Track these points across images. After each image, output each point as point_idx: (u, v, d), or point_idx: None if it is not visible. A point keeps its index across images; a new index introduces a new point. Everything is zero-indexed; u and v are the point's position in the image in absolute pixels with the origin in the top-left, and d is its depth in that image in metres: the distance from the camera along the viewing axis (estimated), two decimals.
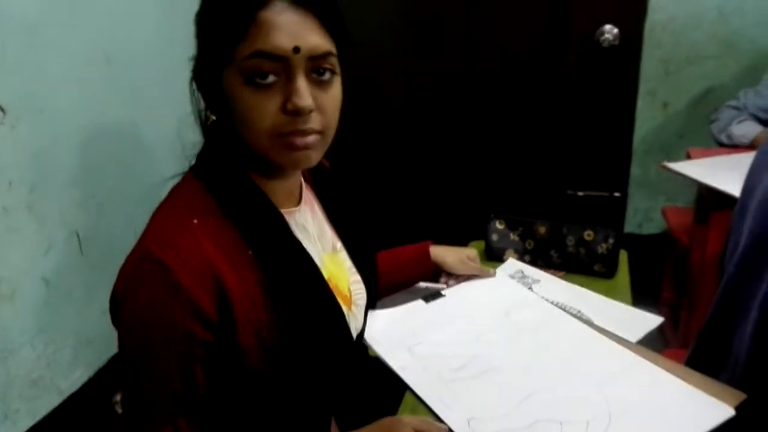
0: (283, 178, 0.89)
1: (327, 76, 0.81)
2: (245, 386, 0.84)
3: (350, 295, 0.97)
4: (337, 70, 0.83)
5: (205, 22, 0.82)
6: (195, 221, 0.80)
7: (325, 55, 0.79)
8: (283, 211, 0.88)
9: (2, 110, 1.22)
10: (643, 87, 2.31)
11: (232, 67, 0.78)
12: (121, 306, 0.80)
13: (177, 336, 0.76)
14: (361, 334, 1.01)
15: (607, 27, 2.17)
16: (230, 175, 0.85)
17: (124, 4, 1.56)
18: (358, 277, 1.01)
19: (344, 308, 0.91)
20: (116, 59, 1.53)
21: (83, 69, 1.44)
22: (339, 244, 1.01)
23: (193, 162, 0.88)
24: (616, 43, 2.18)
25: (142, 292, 0.77)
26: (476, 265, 1.26)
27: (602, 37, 2.18)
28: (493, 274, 1.28)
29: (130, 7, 1.59)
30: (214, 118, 0.87)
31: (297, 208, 0.92)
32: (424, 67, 2.38)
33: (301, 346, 0.84)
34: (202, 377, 0.79)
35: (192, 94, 0.86)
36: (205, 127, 0.89)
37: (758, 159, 1.12)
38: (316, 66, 0.79)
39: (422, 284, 1.27)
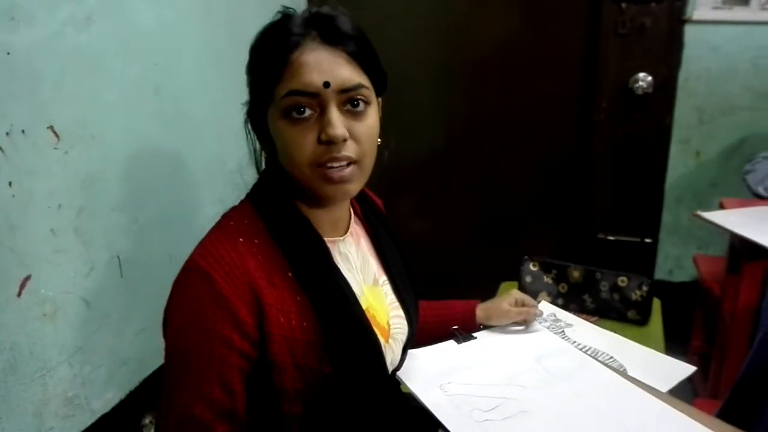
0: (328, 208, 0.94)
1: (360, 107, 0.86)
2: (278, 405, 0.86)
3: (388, 329, 0.99)
4: (372, 101, 0.88)
5: (251, 70, 0.90)
6: (240, 240, 0.86)
7: (357, 87, 0.84)
8: (327, 239, 0.92)
9: (57, 136, 1.27)
10: (677, 135, 2.33)
11: (273, 106, 0.85)
12: (168, 315, 0.85)
13: (216, 342, 0.80)
14: (397, 369, 1.03)
15: (641, 75, 2.20)
16: (277, 201, 0.91)
17: (173, 39, 1.62)
18: (400, 312, 1.03)
19: (381, 340, 0.94)
20: (164, 91, 1.59)
21: (134, 99, 1.50)
22: (383, 278, 1.03)
23: (248, 191, 0.96)
24: (650, 90, 2.20)
25: (186, 300, 0.82)
26: (520, 309, 1.26)
27: (636, 85, 2.21)
28: (541, 313, 1.29)
29: (179, 43, 1.65)
30: (265, 155, 0.95)
31: (342, 237, 0.97)
32: (461, 110, 2.42)
33: (334, 372, 0.87)
34: (240, 387, 0.83)
35: (247, 134, 0.94)
36: (260, 162, 0.96)
37: None
38: (348, 98, 0.85)
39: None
